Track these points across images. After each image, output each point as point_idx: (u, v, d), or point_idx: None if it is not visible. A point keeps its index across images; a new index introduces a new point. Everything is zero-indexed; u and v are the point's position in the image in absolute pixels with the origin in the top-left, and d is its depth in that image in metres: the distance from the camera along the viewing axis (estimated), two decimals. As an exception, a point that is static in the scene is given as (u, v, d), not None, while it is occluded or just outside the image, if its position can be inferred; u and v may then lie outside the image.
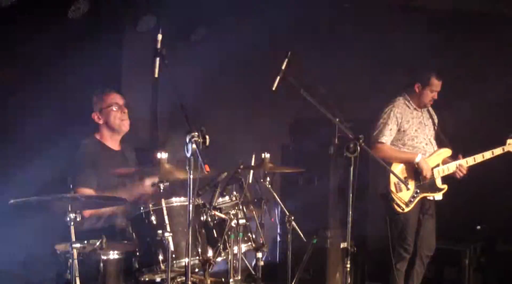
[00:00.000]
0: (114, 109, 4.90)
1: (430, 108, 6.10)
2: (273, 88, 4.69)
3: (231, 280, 4.33)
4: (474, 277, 6.61)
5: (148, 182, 4.66)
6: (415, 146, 5.90)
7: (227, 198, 4.55)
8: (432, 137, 6.04)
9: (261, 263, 4.66)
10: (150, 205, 4.24)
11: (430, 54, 6.99)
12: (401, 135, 5.89)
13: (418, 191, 5.81)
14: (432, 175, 5.85)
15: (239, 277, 4.40)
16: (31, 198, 3.95)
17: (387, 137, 5.82)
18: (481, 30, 6.97)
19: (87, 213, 4.65)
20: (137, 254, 4.21)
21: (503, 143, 6.01)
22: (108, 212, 4.70)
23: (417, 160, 5.77)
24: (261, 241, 4.61)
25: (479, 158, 5.95)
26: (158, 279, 4.37)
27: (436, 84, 5.91)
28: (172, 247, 4.05)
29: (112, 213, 4.70)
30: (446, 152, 5.99)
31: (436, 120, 6.11)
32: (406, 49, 7.04)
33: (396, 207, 5.75)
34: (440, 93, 5.98)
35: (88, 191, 4.65)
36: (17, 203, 3.99)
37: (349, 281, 4.73)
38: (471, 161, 5.95)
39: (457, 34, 7.03)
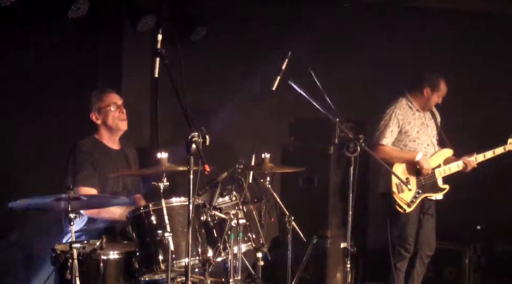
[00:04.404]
0: (112, 109, 4.90)
1: (433, 108, 6.09)
2: (273, 88, 4.69)
3: (231, 280, 4.33)
4: (474, 277, 6.61)
5: (117, 209, 4.66)
6: (417, 147, 5.89)
7: (227, 198, 4.54)
8: (434, 138, 6.04)
9: (261, 263, 4.66)
10: (150, 205, 4.24)
11: (430, 54, 7.00)
12: (403, 137, 5.89)
13: (420, 191, 5.81)
14: (434, 174, 5.85)
15: (239, 277, 4.40)
16: (33, 197, 3.96)
17: (388, 139, 5.82)
18: (482, 30, 6.98)
19: (88, 212, 4.66)
20: (137, 254, 4.21)
21: (504, 142, 6.02)
22: (110, 216, 4.71)
23: (417, 158, 5.78)
24: (261, 241, 4.60)
25: (480, 157, 5.95)
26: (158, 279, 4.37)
27: (444, 89, 5.93)
28: (172, 247, 4.05)
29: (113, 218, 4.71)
30: (448, 152, 6.00)
31: (438, 121, 6.10)
32: (407, 49, 7.05)
33: (398, 207, 5.75)
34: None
35: (90, 190, 4.65)
36: (16, 205, 4.00)
37: (349, 281, 4.73)
38: (472, 161, 5.95)
39: (458, 34, 7.03)
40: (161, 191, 4.18)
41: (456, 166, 5.93)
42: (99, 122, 4.92)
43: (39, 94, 5.89)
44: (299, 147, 6.51)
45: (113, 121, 4.91)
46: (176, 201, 4.26)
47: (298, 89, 4.63)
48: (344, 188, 4.87)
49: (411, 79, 6.07)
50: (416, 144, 5.91)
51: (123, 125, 4.97)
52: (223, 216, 4.34)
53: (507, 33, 6.88)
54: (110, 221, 4.72)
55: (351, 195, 4.58)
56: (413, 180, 5.81)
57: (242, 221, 4.36)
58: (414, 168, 5.81)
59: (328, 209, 6.28)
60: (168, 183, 4.19)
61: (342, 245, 4.74)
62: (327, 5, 6.93)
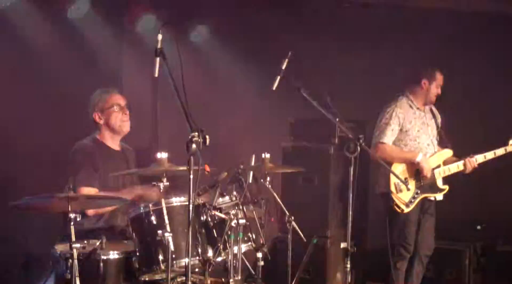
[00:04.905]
0: (115, 110, 4.90)
1: (433, 108, 6.10)
2: (273, 88, 4.69)
3: (231, 280, 4.33)
4: (474, 277, 6.60)
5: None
6: (417, 146, 5.89)
7: (227, 198, 4.54)
8: (434, 137, 6.04)
9: (261, 263, 4.66)
10: (150, 205, 4.24)
11: (430, 54, 6.99)
12: (403, 136, 5.89)
13: (419, 191, 5.81)
14: (433, 175, 5.85)
15: (239, 277, 4.39)
16: (33, 197, 3.96)
17: (388, 138, 5.82)
18: (482, 30, 6.97)
19: (90, 212, 4.65)
20: (137, 254, 4.21)
21: (505, 143, 6.02)
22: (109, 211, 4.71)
23: (417, 159, 5.77)
24: (261, 241, 4.60)
25: (480, 158, 5.95)
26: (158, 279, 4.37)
27: (440, 78, 5.96)
28: (172, 247, 4.04)
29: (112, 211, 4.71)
30: (447, 153, 5.99)
31: (439, 120, 6.10)
32: (406, 49, 7.05)
33: (395, 207, 5.75)
34: (442, 93, 6.00)
35: (91, 190, 4.65)
36: (16, 204, 4.00)
37: (349, 281, 4.73)
38: (472, 161, 5.94)
39: (458, 34, 7.03)
40: (161, 191, 4.18)
41: (456, 167, 5.93)
42: (101, 122, 4.91)
43: (39, 94, 5.89)
44: (299, 147, 6.50)
45: (116, 122, 4.90)
46: (176, 201, 4.26)
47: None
48: (344, 188, 4.87)
49: (408, 76, 6.08)
50: (417, 143, 5.91)
51: (126, 127, 4.96)
52: (223, 216, 4.34)
53: (508, 33, 6.88)
54: (110, 221, 4.72)
55: (351, 195, 4.58)
56: (412, 180, 5.81)
57: (242, 221, 4.36)
58: (414, 168, 5.81)
59: (328, 209, 6.28)
60: (168, 183, 4.20)
61: (342, 245, 4.75)
62: (327, 5, 6.93)
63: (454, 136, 6.14)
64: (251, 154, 5.03)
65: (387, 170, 5.50)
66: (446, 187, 5.92)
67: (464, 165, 5.92)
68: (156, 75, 3.99)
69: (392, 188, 5.73)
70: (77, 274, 3.91)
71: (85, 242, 4.22)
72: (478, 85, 7.02)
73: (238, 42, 6.78)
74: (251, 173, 4.89)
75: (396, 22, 6.94)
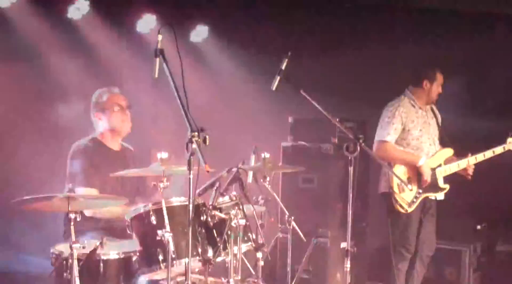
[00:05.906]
0: (115, 110, 4.89)
1: (434, 107, 6.10)
2: (273, 88, 4.69)
3: (231, 280, 4.33)
4: (474, 277, 6.60)
5: (116, 209, 4.66)
6: (419, 145, 5.88)
7: (227, 198, 4.54)
8: (436, 136, 6.03)
9: (261, 263, 4.66)
10: (150, 205, 4.24)
11: (430, 53, 7.00)
12: (406, 135, 5.88)
13: (421, 191, 5.80)
14: (434, 174, 5.84)
15: (239, 277, 4.40)
16: (33, 197, 3.96)
17: (391, 136, 5.81)
18: (482, 30, 6.98)
19: (88, 212, 4.65)
20: (137, 254, 4.21)
21: (503, 142, 6.02)
22: (109, 216, 4.70)
23: (420, 163, 5.75)
24: (261, 241, 4.60)
25: (480, 157, 5.95)
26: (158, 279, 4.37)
27: (440, 78, 5.97)
28: (172, 247, 4.05)
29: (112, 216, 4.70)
30: (448, 152, 5.99)
31: (439, 120, 6.10)
32: (407, 49, 7.06)
33: (399, 207, 5.74)
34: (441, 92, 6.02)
35: (90, 190, 4.65)
36: (17, 203, 4.00)
37: (349, 281, 4.73)
38: (472, 160, 5.95)
39: (458, 33, 7.03)
40: (161, 191, 4.18)
41: (456, 166, 5.93)
42: (101, 122, 4.91)
43: (39, 94, 5.90)
44: (299, 146, 6.50)
45: (116, 122, 4.90)
46: (176, 201, 4.26)
47: (299, 89, 4.63)
48: (344, 188, 4.87)
49: (409, 78, 6.09)
50: (419, 142, 5.90)
51: (126, 127, 4.95)
52: (223, 216, 4.34)
53: (507, 33, 6.88)
54: (110, 221, 4.72)
55: (351, 195, 4.57)
56: (414, 180, 5.80)
57: (242, 221, 4.36)
58: (415, 169, 5.80)
59: (328, 209, 6.28)
60: (168, 183, 4.20)
61: (342, 245, 4.75)
62: (327, 5, 6.93)
63: (454, 136, 6.14)
64: (251, 154, 5.03)
65: (389, 170, 5.50)
66: (447, 186, 5.91)
67: (464, 163, 5.92)
68: (156, 76, 3.99)
69: (395, 188, 5.72)
70: (77, 274, 3.91)
71: (85, 242, 4.22)
72: (477, 85, 7.02)
73: (238, 42, 6.78)
74: (251, 173, 4.88)
75: (397, 22, 6.95)
